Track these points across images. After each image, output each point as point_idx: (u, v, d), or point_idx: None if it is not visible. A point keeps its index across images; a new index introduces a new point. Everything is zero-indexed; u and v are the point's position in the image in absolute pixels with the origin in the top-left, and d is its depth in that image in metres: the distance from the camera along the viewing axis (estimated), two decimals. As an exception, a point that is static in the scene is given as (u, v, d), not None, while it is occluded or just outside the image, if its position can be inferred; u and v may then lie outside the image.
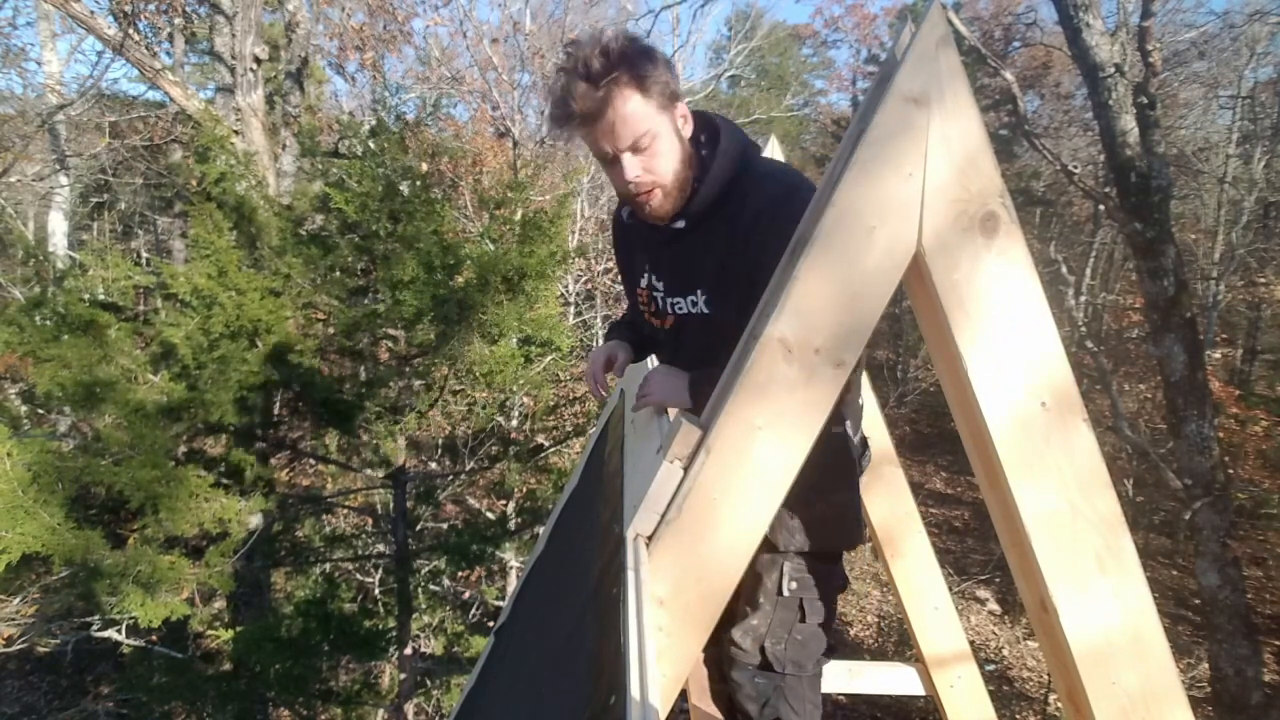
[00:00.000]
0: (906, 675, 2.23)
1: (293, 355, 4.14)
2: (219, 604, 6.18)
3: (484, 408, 6.11)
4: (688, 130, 1.32)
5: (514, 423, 6.97)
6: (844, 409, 1.50)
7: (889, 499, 2.09)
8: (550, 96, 1.27)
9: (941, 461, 14.53)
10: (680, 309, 1.43)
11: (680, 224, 1.36)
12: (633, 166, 1.25)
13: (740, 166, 1.31)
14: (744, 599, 1.51)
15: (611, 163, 1.28)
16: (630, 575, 0.96)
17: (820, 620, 1.50)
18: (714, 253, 1.33)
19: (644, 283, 1.49)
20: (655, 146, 1.25)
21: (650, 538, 1.04)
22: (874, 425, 2.05)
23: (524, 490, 6.58)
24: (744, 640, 1.51)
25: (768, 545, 1.43)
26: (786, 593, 1.46)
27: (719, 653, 1.80)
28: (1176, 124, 12.55)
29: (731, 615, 1.58)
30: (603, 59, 1.19)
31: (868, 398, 1.96)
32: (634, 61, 1.21)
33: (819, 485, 1.44)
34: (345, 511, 7.33)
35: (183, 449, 4.19)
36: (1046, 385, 1.03)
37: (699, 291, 1.38)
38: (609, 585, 1.03)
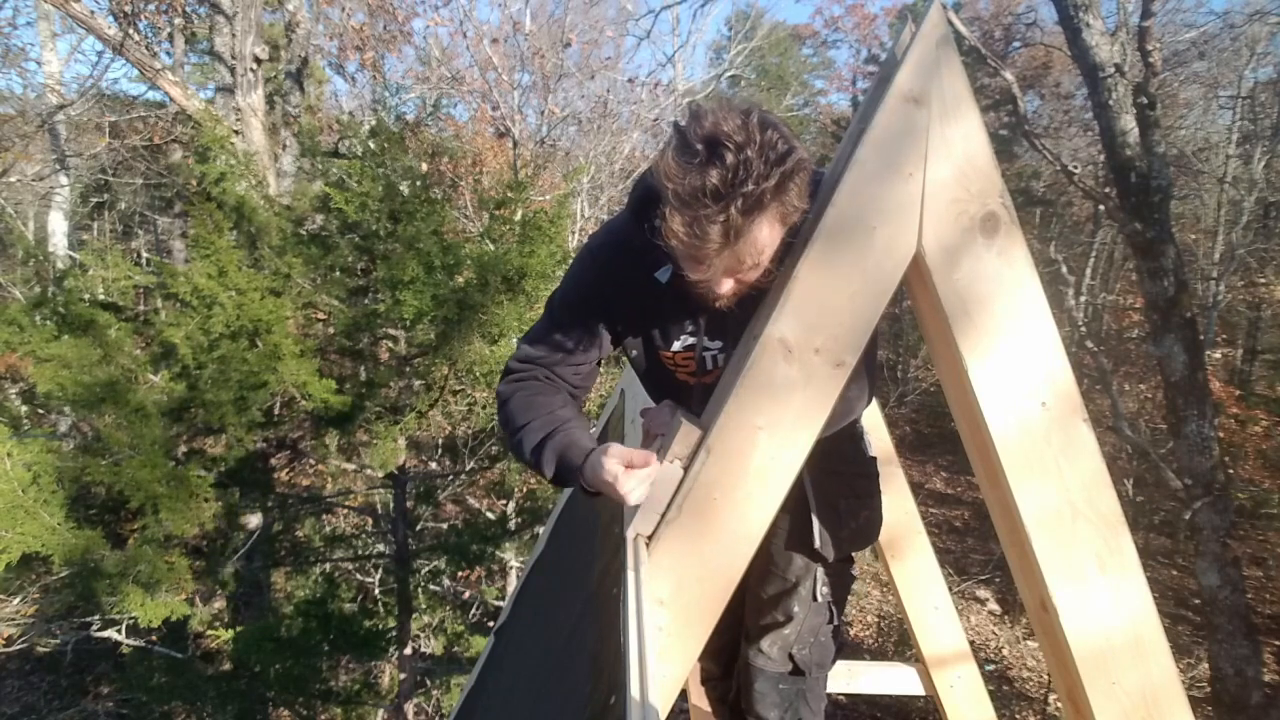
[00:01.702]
0: (906, 675, 2.23)
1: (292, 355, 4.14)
2: (219, 604, 6.19)
3: (484, 408, 6.11)
4: None
5: (514, 423, 6.96)
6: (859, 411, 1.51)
7: (889, 499, 2.08)
8: (681, 186, 0.96)
9: (941, 461, 14.53)
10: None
11: None
12: (728, 285, 1.08)
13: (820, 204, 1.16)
14: (776, 609, 1.50)
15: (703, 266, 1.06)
16: (630, 575, 0.96)
17: (839, 621, 1.54)
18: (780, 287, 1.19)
19: (679, 345, 1.29)
20: (760, 261, 1.06)
21: (650, 538, 1.04)
22: (874, 425, 2.05)
23: (524, 490, 6.57)
24: (771, 649, 1.51)
25: (811, 556, 1.45)
26: (820, 598, 1.48)
27: (719, 663, 1.80)
28: (1176, 124, 12.55)
29: (734, 626, 1.59)
30: (775, 190, 0.96)
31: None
32: (786, 185, 0.97)
33: (864, 492, 1.51)
34: (345, 511, 7.33)
35: (183, 449, 4.19)
36: (1046, 385, 1.03)
37: None
38: (609, 585, 1.03)
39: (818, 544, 1.41)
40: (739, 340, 1.21)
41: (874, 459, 1.55)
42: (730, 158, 0.93)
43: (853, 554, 1.53)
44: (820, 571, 1.46)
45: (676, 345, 1.29)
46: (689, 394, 1.35)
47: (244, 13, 5.75)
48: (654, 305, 1.26)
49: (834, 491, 1.43)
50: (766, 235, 1.01)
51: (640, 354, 1.34)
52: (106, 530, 4.03)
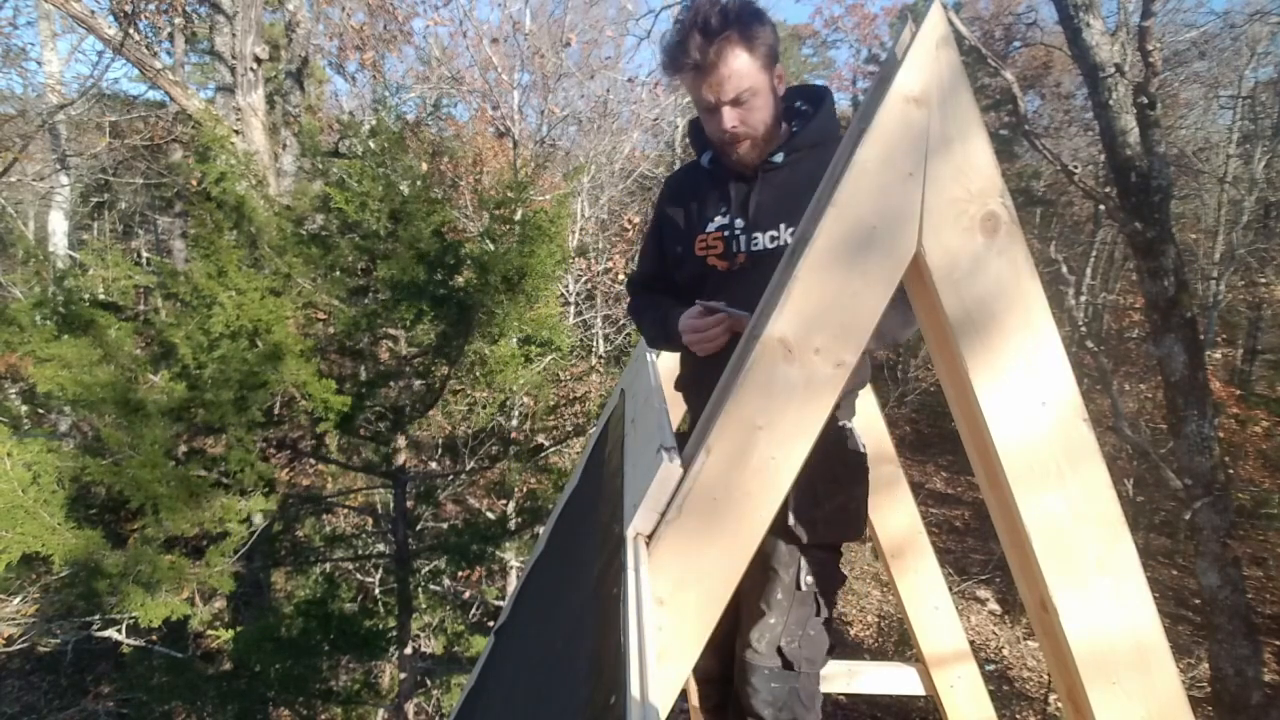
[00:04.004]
0: (906, 675, 2.23)
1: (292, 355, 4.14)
2: (219, 604, 6.19)
3: (484, 408, 6.11)
4: (781, 89, 1.44)
5: (514, 423, 6.97)
6: (844, 402, 1.54)
7: (890, 499, 2.09)
8: (665, 44, 1.36)
9: (941, 461, 14.54)
10: (757, 245, 1.46)
11: (778, 158, 1.45)
12: (730, 118, 1.37)
13: (837, 125, 1.48)
14: (759, 598, 1.50)
15: (711, 111, 1.39)
16: (630, 575, 0.96)
17: (829, 614, 1.53)
18: (809, 191, 1.31)
19: (713, 226, 1.51)
20: (753, 102, 1.36)
21: (650, 537, 1.04)
22: (874, 425, 2.05)
23: (524, 490, 6.57)
24: (760, 643, 1.50)
25: (786, 537, 1.46)
26: (804, 587, 1.48)
27: (718, 664, 1.78)
28: (1177, 124, 12.54)
29: (737, 623, 1.59)
30: (720, 16, 1.29)
31: (867, 397, 1.96)
32: (746, 22, 1.31)
33: (841, 478, 1.51)
34: (345, 511, 7.33)
35: (183, 449, 4.19)
36: (1047, 385, 1.03)
37: (782, 226, 1.43)
38: (609, 585, 1.03)
39: (791, 521, 1.43)
40: (762, 221, 1.45)
41: (862, 454, 1.56)
42: (687, 15, 1.31)
43: (838, 544, 1.54)
44: (805, 560, 1.47)
45: (710, 226, 1.50)
46: (722, 285, 1.49)
47: (244, 12, 5.74)
48: (696, 191, 1.56)
49: (812, 473, 1.39)
50: (738, 63, 1.32)
51: (685, 249, 1.55)
52: (106, 530, 4.02)
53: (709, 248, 1.50)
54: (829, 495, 1.48)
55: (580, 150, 11.17)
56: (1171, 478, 5.90)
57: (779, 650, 1.49)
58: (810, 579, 1.48)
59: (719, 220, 1.50)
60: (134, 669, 5.01)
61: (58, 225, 9.42)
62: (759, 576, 1.49)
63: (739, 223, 1.47)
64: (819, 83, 1.56)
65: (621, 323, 10.66)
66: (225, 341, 3.91)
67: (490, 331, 4.41)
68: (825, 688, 1.75)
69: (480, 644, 5.78)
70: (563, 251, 4.46)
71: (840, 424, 1.55)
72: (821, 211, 1.00)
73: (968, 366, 1.02)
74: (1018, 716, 8.48)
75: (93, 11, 5.00)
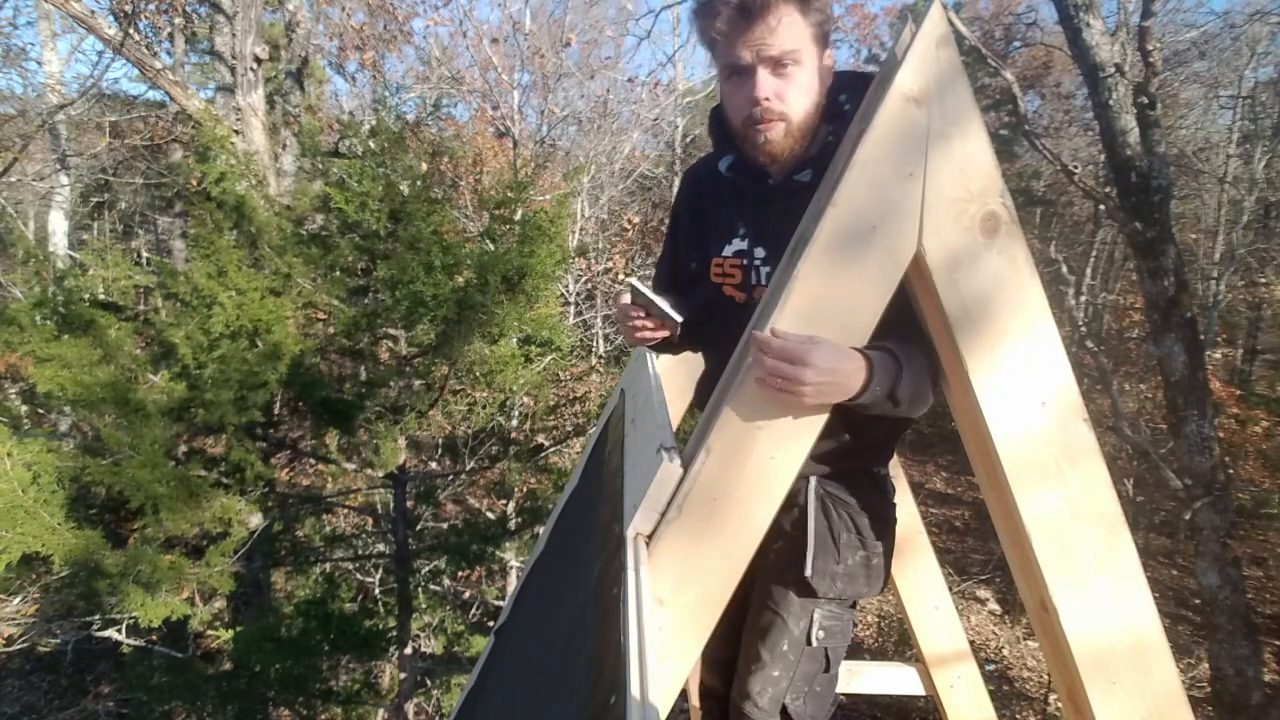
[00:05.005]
0: (906, 675, 2.23)
1: (293, 355, 4.14)
2: (219, 604, 6.19)
3: (484, 408, 6.11)
4: (828, 80, 1.23)
5: (514, 423, 6.97)
6: (883, 450, 1.44)
7: (889, 499, 2.09)
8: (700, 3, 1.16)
9: (941, 461, 14.53)
10: None
11: (805, 175, 1.22)
12: (767, 83, 1.15)
13: None
14: (761, 641, 1.40)
15: (742, 74, 1.16)
16: (630, 575, 0.96)
17: (836, 670, 1.44)
18: None
19: (730, 250, 1.32)
20: (796, 74, 1.16)
21: (650, 537, 1.04)
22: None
23: (524, 490, 6.58)
24: (761, 697, 1.40)
25: (800, 589, 1.36)
26: (815, 642, 1.37)
27: (723, 678, 1.73)
28: (1177, 124, 12.54)
29: (729, 658, 1.50)
30: None
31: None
32: None
33: (873, 531, 1.39)
34: (345, 511, 7.33)
35: (183, 449, 4.19)
36: (1047, 385, 1.03)
37: None
38: (609, 585, 1.03)
39: (808, 572, 1.31)
40: (780, 251, 1.25)
41: (890, 501, 1.46)
42: None
43: (853, 600, 1.42)
44: (819, 613, 1.37)
45: (728, 250, 1.34)
46: (735, 318, 1.30)
47: (244, 12, 5.74)
48: (715, 200, 1.37)
49: (837, 520, 1.35)
50: (788, 25, 1.11)
51: (701, 267, 1.39)
52: (106, 530, 4.02)
53: (725, 275, 1.33)
54: (850, 547, 1.36)
55: (580, 150, 11.16)
56: (1171, 478, 5.89)
57: (783, 709, 1.40)
58: (821, 634, 1.37)
59: (737, 244, 1.32)
60: (134, 669, 5.00)
61: (58, 225, 9.42)
62: (764, 618, 1.39)
63: (759, 251, 1.29)
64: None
65: (621, 323, 10.63)
66: (225, 341, 3.91)
67: (490, 331, 4.40)
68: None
69: (480, 644, 5.79)
70: (563, 251, 4.45)
71: (876, 471, 1.42)
72: (822, 211, 1.00)
73: (968, 366, 1.02)
74: (1018, 716, 8.47)
75: (93, 11, 5.00)
